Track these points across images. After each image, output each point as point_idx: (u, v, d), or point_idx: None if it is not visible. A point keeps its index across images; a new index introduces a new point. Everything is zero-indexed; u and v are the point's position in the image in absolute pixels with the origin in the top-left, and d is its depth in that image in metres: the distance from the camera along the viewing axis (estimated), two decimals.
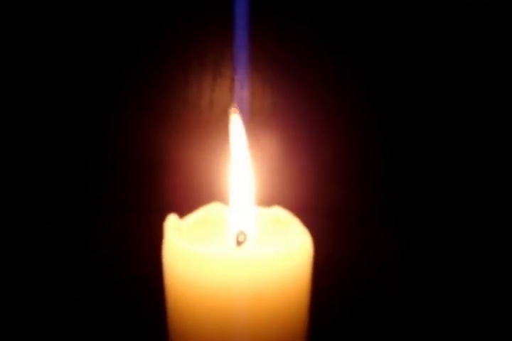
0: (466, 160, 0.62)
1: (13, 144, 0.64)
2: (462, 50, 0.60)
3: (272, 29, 0.63)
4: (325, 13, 0.62)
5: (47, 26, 0.62)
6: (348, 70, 0.62)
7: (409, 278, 0.58)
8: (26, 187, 0.66)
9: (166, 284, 0.45)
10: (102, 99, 0.65)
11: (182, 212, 0.47)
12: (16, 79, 0.64)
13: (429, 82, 0.61)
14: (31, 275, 0.60)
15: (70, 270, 0.60)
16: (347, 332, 0.53)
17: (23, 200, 0.66)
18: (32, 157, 0.65)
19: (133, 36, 0.65)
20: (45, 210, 0.65)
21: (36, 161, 0.64)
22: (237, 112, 0.45)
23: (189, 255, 0.43)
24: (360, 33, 0.61)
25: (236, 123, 0.45)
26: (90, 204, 0.64)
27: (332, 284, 0.54)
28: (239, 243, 0.46)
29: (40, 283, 0.59)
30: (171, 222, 0.45)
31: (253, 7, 0.60)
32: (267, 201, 0.48)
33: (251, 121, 0.62)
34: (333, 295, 0.54)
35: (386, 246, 0.60)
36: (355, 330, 0.53)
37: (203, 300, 0.44)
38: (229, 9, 0.60)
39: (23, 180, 0.65)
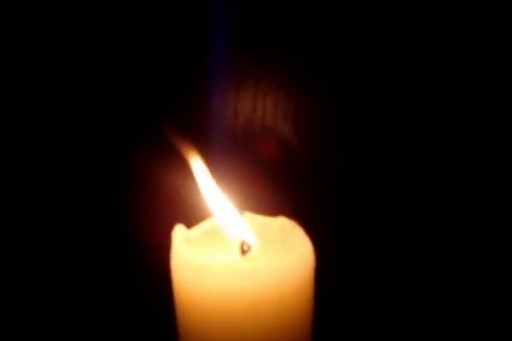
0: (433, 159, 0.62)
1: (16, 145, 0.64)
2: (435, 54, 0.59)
3: (263, 32, 0.63)
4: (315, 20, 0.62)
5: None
6: (335, 77, 0.62)
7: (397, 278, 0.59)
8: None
9: (174, 293, 0.47)
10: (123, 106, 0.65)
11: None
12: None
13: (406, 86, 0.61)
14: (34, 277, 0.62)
15: (79, 280, 0.62)
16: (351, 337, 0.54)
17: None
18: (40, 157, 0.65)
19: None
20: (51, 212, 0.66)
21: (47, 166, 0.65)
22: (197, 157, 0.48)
23: (196, 264, 0.45)
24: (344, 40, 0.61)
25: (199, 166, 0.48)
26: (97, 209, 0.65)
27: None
28: (243, 252, 0.48)
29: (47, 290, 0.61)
30: (179, 232, 0.47)
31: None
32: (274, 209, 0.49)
33: (245, 124, 0.63)
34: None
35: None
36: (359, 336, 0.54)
37: (210, 309, 0.45)
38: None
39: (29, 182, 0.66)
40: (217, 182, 0.48)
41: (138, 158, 0.61)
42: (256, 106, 0.61)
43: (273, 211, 0.49)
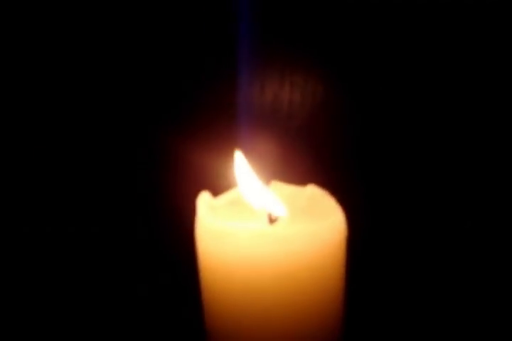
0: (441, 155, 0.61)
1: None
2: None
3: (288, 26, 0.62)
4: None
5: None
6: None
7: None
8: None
9: (198, 261, 0.45)
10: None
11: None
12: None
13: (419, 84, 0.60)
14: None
15: (100, 254, 0.60)
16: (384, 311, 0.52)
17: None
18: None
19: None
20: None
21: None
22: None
23: (221, 231, 0.43)
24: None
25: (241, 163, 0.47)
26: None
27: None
28: (271, 221, 0.45)
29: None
30: (203, 199, 0.45)
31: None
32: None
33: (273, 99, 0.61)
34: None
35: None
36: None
37: (235, 277, 0.43)
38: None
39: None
40: (246, 153, 0.47)
41: (167, 129, 0.59)
42: (284, 82, 0.60)
43: (302, 181, 0.47)
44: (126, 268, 0.59)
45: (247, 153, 0.47)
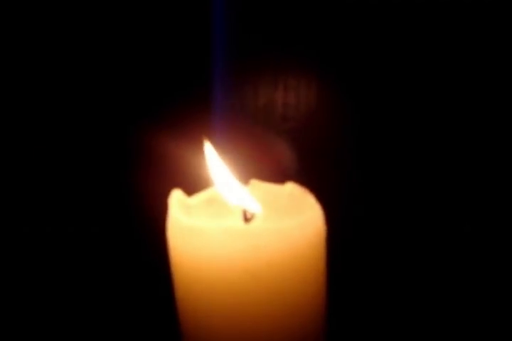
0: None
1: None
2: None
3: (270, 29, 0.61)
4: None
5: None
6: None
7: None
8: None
9: (171, 261, 0.44)
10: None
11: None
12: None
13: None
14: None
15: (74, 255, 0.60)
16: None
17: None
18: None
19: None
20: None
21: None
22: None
23: (193, 230, 0.42)
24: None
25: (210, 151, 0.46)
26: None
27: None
28: (247, 220, 0.44)
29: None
30: (176, 197, 0.44)
31: None
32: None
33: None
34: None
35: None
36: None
37: (208, 276, 0.42)
38: None
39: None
40: (224, 152, 0.45)
41: (142, 126, 0.59)
42: (277, 85, 0.59)
43: (283, 179, 0.46)
44: (96, 266, 0.59)
45: (225, 151, 0.46)
